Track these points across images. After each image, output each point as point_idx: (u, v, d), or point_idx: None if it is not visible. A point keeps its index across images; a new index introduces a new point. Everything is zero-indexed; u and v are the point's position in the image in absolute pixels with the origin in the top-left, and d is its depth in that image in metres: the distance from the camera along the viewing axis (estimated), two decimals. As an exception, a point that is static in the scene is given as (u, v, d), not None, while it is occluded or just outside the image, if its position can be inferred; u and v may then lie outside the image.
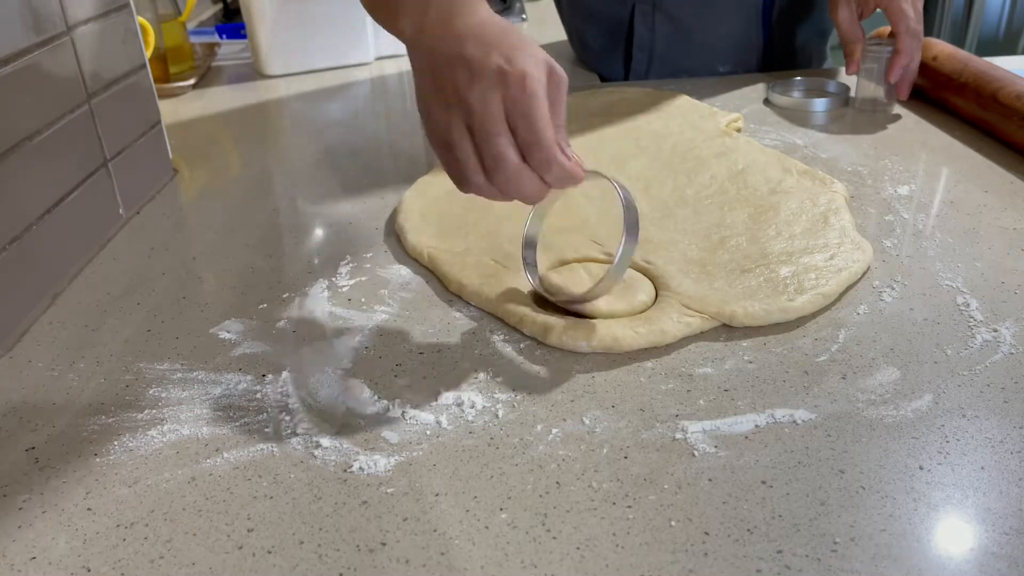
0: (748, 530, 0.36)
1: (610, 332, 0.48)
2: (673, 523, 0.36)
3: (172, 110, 0.97)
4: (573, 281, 0.53)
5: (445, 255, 0.58)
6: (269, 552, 0.36)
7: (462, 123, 0.46)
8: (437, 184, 0.70)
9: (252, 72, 1.12)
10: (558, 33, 1.16)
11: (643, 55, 0.98)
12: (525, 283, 0.54)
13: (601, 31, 1.00)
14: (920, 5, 0.82)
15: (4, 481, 0.41)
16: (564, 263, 0.57)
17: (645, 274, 0.55)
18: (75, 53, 0.61)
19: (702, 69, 0.99)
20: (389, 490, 0.39)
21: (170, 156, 0.78)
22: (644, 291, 0.53)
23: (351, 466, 0.41)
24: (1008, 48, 2.45)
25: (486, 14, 0.49)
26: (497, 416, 0.44)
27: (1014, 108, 0.72)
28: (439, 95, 0.47)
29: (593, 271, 0.55)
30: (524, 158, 0.45)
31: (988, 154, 0.73)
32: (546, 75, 0.46)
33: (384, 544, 0.36)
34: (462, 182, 0.47)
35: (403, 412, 0.44)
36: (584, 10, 1.01)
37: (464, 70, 0.46)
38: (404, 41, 0.50)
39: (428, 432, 0.43)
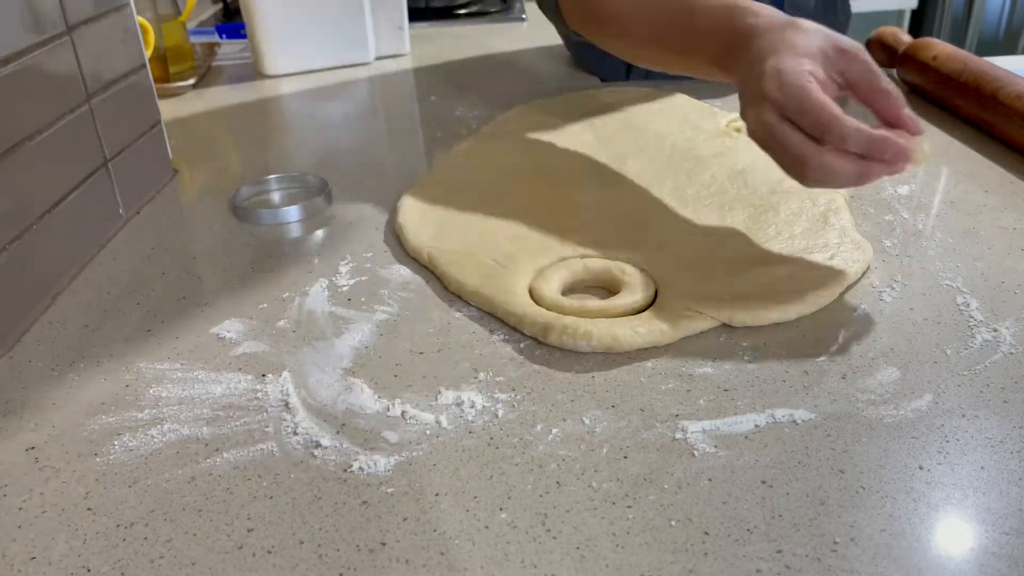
0: (748, 530, 0.36)
1: (610, 332, 0.48)
2: (673, 523, 0.36)
3: (172, 110, 0.97)
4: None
5: (445, 255, 0.58)
6: (269, 552, 0.36)
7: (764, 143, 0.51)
8: (437, 184, 0.70)
9: (252, 72, 1.12)
10: (557, 33, 1.15)
11: None
12: (525, 283, 0.54)
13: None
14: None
15: (4, 481, 0.41)
16: (563, 259, 0.57)
17: (645, 274, 0.55)
18: (75, 53, 0.61)
19: None
20: (389, 490, 0.39)
21: (170, 156, 0.78)
22: (644, 289, 0.53)
23: (351, 466, 0.41)
24: (1008, 48, 2.45)
25: (758, 30, 0.54)
26: (497, 416, 0.44)
27: (1014, 108, 0.72)
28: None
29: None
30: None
31: (988, 154, 0.73)
32: (822, 55, 0.50)
33: (384, 544, 0.36)
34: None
35: (403, 412, 0.44)
36: None
37: (742, 98, 0.52)
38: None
39: (428, 432, 0.43)
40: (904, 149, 0.47)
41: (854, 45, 0.51)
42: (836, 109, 0.47)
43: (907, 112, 0.50)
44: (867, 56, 0.51)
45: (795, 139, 0.49)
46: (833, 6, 1.00)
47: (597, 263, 0.55)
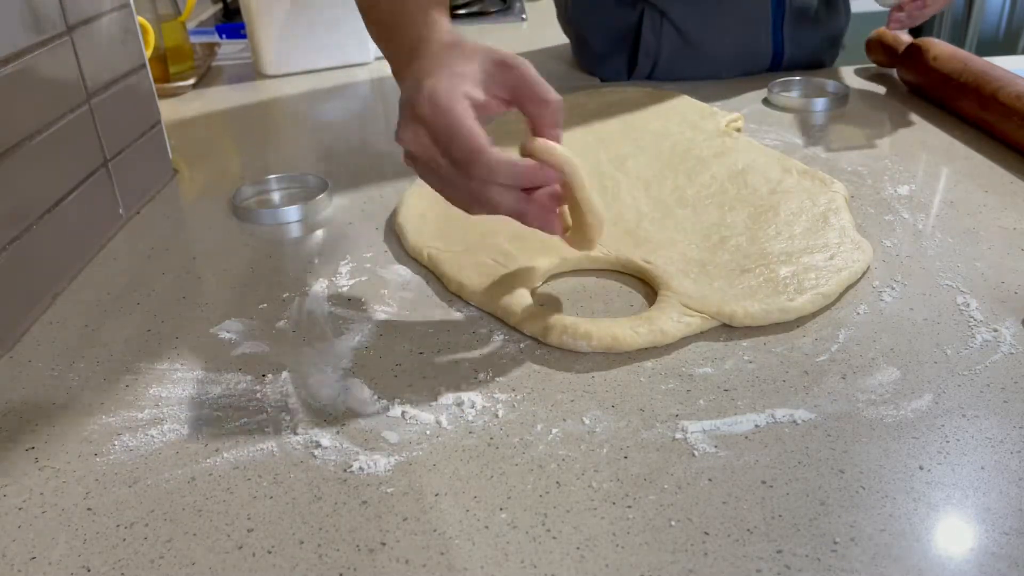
0: (748, 530, 0.36)
1: (610, 332, 0.48)
2: (673, 523, 0.36)
3: (172, 110, 0.97)
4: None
5: (445, 255, 0.58)
6: (269, 552, 0.36)
7: (421, 168, 0.49)
8: (437, 184, 0.70)
9: (252, 72, 1.12)
10: (557, 33, 1.16)
11: (648, 60, 0.97)
12: (525, 283, 0.54)
13: (607, 35, 1.00)
14: None
15: (4, 481, 0.41)
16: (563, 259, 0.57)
17: (645, 274, 0.55)
18: (75, 53, 0.61)
19: (707, 77, 0.99)
20: (389, 490, 0.39)
21: (170, 156, 0.78)
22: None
23: (351, 466, 0.41)
24: (1008, 48, 2.45)
25: (429, 47, 0.50)
26: (497, 416, 0.44)
27: (1014, 108, 0.72)
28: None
29: None
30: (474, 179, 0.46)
31: (988, 154, 0.73)
32: (483, 73, 0.48)
33: (384, 544, 0.36)
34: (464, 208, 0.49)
35: (403, 412, 0.44)
36: (591, 13, 1.01)
37: (401, 115, 0.48)
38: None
39: (428, 432, 0.43)
40: (551, 176, 0.47)
41: (515, 58, 0.48)
42: (483, 140, 0.46)
43: (557, 130, 0.49)
44: (529, 68, 0.48)
45: (446, 168, 0.47)
46: (835, 6, 1.00)
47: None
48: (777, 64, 1.00)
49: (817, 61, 1.02)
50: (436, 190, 0.49)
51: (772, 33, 0.97)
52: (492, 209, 0.47)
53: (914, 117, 0.83)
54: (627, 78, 1.00)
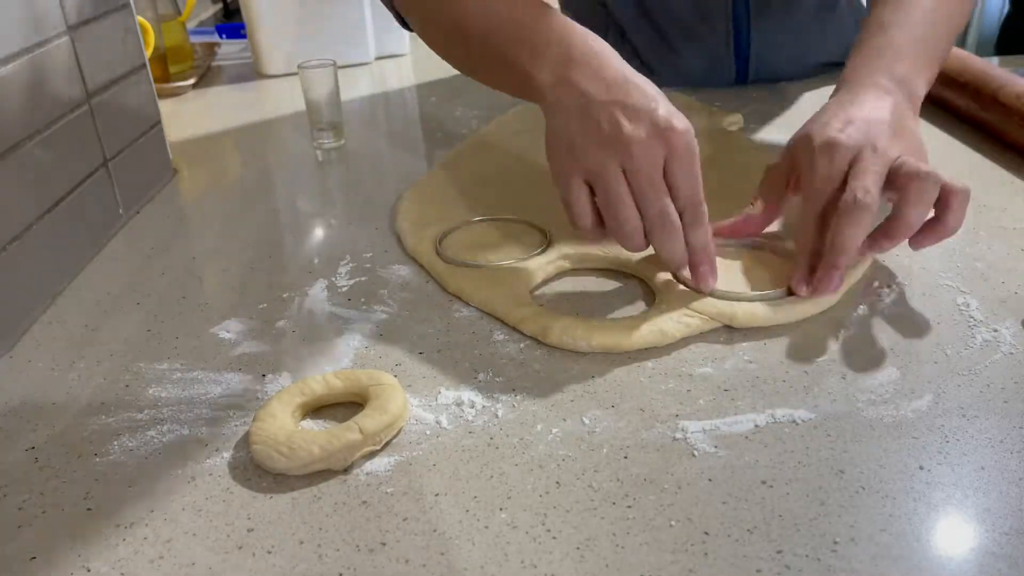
0: (748, 530, 0.36)
1: (610, 332, 0.48)
2: (673, 523, 0.36)
3: (172, 110, 0.97)
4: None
5: (445, 255, 0.58)
6: (269, 552, 0.36)
7: (618, 165, 0.48)
8: (437, 184, 0.70)
9: (252, 72, 1.12)
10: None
11: None
12: (525, 283, 0.54)
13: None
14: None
15: (4, 481, 0.41)
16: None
17: (645, 274, 0.55)
18: (75, 53, 0.61)
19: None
20: (389, 490, 0.39)
21: (170, 156, 0.78)
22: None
23: (351, 466, 0.41)
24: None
25: (628, 68, 0.51)
26: (497, 416, 0.44)
27: (1014, 108, 0.72)
28: (594, 133, 0.48)
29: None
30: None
31: (988, 154, 0.73)
32: None
33: (384, 544, 0.36)
34: (618, 230, 0.49)
35: (403, 412, 0.44)
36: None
37: (625, 117, 0.48)
38: (537, 87, 0.52)
39: (428, 432, 0.43)
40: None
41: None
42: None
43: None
44: None
45: (655, 193, 0.48)
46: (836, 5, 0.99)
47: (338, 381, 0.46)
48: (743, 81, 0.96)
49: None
50: (600, 204, 0.49)
51: (734, 63, 0.93)
52: (659, 247, 0.49)
53: (914, 117, 0.83)
54: None
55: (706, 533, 0.36)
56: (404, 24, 0.67)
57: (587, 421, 0.43)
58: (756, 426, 0.42)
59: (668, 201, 0.48)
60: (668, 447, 0.41)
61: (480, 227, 0.62)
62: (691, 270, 0.50)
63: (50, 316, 0.55)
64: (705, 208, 0.49)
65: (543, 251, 0.58)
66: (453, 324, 0.52)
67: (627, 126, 0.47)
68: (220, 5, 1.51)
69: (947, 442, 0.40)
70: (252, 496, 0.39)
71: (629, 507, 0.37)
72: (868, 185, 0.48)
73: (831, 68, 0.97)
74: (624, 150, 0.47)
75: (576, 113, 0.49)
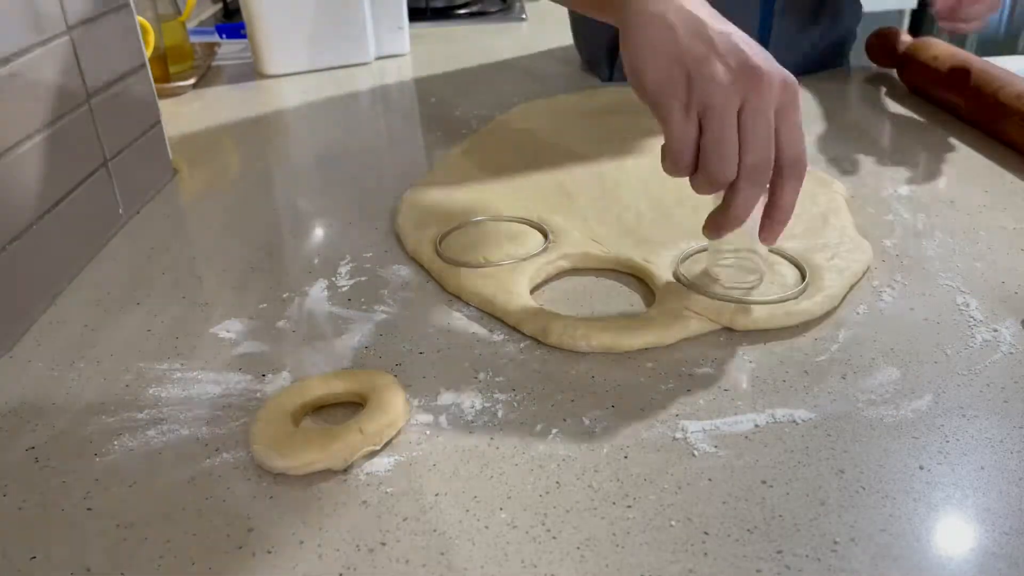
0: (748, 530, 0.36)
1: (610, 332, 0.48)
2: (673, 523, 0.36)
3: (172, 110, 0.97)
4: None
5: (445, 255, 0.58)
6: (269, 552, 0.36)
7: (740, 103, 0.43)
8: (437, 184, 0.70)
9: (252, 72, 1.12)
10: (557, 33, 1.16)
11: None
12: (525, 283, 0.54)
13: (606, 35, 0.99)
14: None
15: (4, 481, 0.41)
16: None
17: (645, 274, 0.55)
18: (75, 53, 0.61)
19: None
20: (389, 490, 0.39)
21: (170, 156, 0.78)
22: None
23: (351, 466, 0.41)
24: (1008, 48, 2.45)
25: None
26: (497, 416, 0.44)
27: (1014, 108, 0.72)
28: (719, 62, 0.43)
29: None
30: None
31: (988, 154, 0.73)
32: None
33: (384, 544, 0.36)
34: (717, 174, 0.44)
35: (403, 412, 0.44)
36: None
37: (748, 49, 0.43)
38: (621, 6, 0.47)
39: (428, 432, 0.43)
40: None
41: None
42: None
43: None
44: None
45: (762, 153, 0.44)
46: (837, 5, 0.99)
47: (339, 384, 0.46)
48: None
49: (823, 67, 1.00)
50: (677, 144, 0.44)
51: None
52: (736, 199, 0.45)
53: (914, 117, 0.83)
54: (625, 79, 1.00)
55: (706, 533, 0.36)
56: None
57: (587, 421, 0.43)
58: (756, 426, 0.42)
59: (774, 152, 0.44)
60: (668, 447, 0.41)
61: (480, 227, 0.62)
62: (767, 225, 0.47)
63: (50, 316, 0.55)
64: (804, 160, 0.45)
65: (543, 251, 0.58)
66: (453, 324, 0.52)
67: (754, 59, 0.43)
68: (220, 5, 1.51)
69: (947, 442, 0.40)
70: (252, 496, 0.39)
71: (629, 507, 0.37)
72: None
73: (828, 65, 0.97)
74: (754, 87, 0.42)
75: (687, 31, 0.44)
